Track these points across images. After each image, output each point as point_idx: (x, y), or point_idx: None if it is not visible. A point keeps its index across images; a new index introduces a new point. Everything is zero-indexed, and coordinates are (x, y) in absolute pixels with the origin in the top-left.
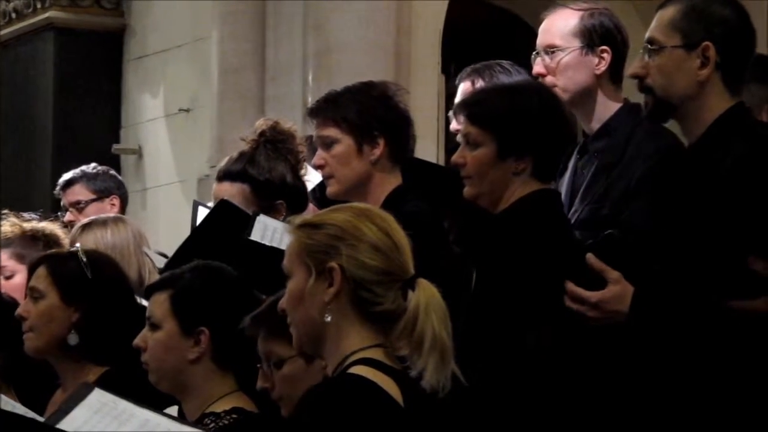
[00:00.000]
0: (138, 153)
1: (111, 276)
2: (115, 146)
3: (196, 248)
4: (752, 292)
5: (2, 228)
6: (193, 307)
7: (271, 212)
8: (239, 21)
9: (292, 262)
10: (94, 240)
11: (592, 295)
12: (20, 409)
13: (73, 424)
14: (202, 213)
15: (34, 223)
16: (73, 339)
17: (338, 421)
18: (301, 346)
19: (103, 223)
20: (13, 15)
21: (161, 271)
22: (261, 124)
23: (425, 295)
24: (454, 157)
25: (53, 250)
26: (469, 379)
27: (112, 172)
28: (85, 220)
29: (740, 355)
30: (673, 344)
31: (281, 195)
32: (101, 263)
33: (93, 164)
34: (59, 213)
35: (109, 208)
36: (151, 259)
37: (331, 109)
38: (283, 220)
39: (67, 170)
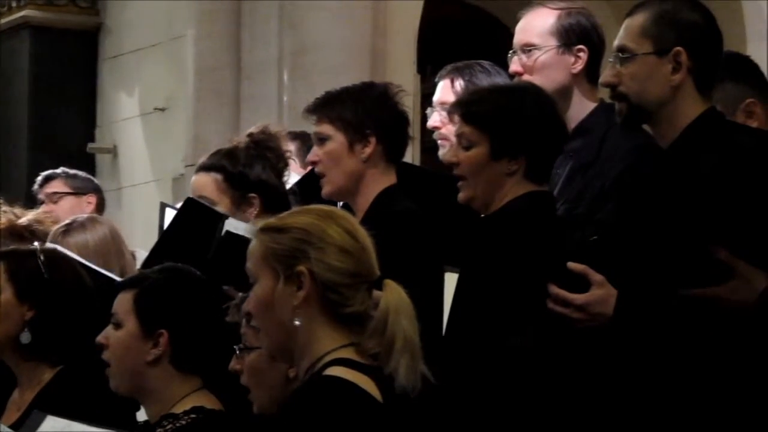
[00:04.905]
0: (113, 152)
1: (68, 276)
2: (90, 145)
3: (168, 250)
4: (714, 281)
5: None
6: (155, 308)
7: (244, 205)
8: (215, 20)
9: (257, 266)
10: (75, 245)
11: (577, 298)
12: None
13: None
14: (170, 214)
15: (27, 217)
16: (25, 337)
17: (320, 425)
18: (271, 351)
19: (81, 226)
20: None
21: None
22: (252, 128)
23: (393, 296)
24: (448, 156)
25: (14, 247)
26: (439, 378)
27: (91, 177)
28: (61, 225)
29: (724, 355)
30: (658, 346)
31: (256, 190)
32: (59, 263)
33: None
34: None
35: (85, 206)
36: (136, 259)
37: (327, 106)
38: (255, 217)
39: (42, 169)
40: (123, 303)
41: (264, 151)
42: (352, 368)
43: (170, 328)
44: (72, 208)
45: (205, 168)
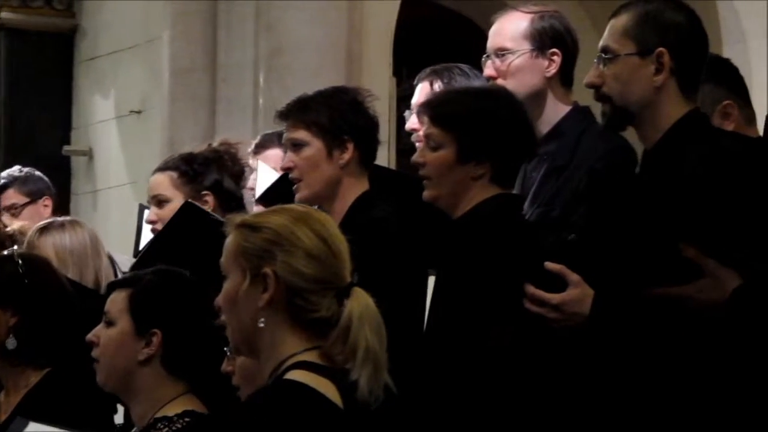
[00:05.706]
0: (89, 154)
1: (47, 279)
2: (65, 147)
3: (161, 252)
4: (683, 279)
5: None
6: (150, 308)
7: (197, 202)
8: (191, 22)
9: (229, 261)
10: (52, 243)
11: (553, 297)
12: None
13: None
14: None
15: (13, 226)
16: (11, 343)
17: (272, 430)
18: (236, 348)
19: (60, 226)
20: None
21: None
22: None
23: (359, 304)
24: (415, 157)
25: None
26: (418, 379)
27: (39, 173)
28: (41, 224)
29: (699, 354)
30: (634, 346)
31: (210, 190)
32: (37, 267)
33: (17, 167)
34: None
35: (42, 210)
36: (114, 261)
37: (302, 111)
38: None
39: None
40: (117, 302)
41: (222, 155)
42: (315, 372)
43: (164, 328)
44: (32, 217)
45: (161, 168)
